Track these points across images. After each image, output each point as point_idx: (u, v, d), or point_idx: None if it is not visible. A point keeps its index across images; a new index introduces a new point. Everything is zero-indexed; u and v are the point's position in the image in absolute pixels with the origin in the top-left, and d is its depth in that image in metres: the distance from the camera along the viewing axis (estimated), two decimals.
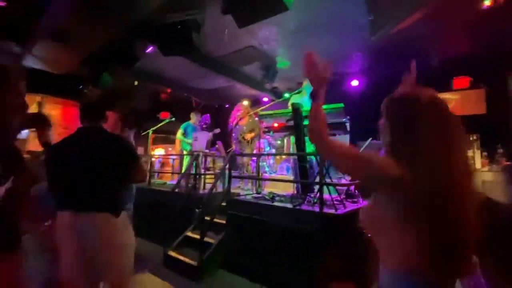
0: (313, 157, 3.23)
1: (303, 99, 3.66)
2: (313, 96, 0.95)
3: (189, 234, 3.60)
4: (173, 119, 5.90)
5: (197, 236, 3.43)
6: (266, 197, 3.19)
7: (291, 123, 3.32)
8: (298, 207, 2.67)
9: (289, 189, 4.24)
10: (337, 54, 5.01)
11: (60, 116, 6.95)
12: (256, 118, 5.08)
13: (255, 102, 7.37)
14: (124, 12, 3.66)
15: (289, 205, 2.80)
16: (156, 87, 7.45)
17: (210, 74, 6.10)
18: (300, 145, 3.10)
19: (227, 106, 8.58)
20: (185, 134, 5.41)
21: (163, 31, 4.05)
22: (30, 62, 5.37)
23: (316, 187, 2.85)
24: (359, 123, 3.49)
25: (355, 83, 6.18)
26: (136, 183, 1.63)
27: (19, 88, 0.90)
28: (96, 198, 1.47)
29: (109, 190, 1.51)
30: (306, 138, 3.13)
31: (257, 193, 3.51)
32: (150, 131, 5.68)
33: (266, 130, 3.81)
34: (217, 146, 6.11)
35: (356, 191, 3.02)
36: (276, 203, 2.94)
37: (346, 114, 3.25)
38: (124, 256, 1.52)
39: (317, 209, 2.56)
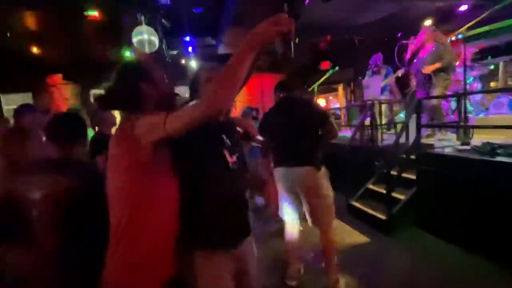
0: None
1: None
2: None
3: (371, 187, 3.52)
4: (337, 68, 5.55)
5: (380, 190, 3.31)
6: (479, 149, 2.38)
7: None
8: None
9: None
10: None
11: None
12: (449, 40, 3.75)
13: (445, 18, 5.39)
14: None
15: None
16: (314, 38, 7.26)
17: (376, 2, 5.06)
18: None
19: (399, 35, 6.95)
20: None
21: None
22: (222, 49, 6.89)
23: None
24: None
25: None
26: (330, 140, 1.80)
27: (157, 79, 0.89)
28: (302, 155, 1.74)
29: (311, 147, 1.75)
30: None
31: (463, 144, 2.69)
32: (315, 86, 5.64)
33: (476, 55, 2.64)
34: (390, 88, 5.21)
35: None
36: (500, 158, 2.13)
37: None
38: (326, 204, 1.75)
39: None
